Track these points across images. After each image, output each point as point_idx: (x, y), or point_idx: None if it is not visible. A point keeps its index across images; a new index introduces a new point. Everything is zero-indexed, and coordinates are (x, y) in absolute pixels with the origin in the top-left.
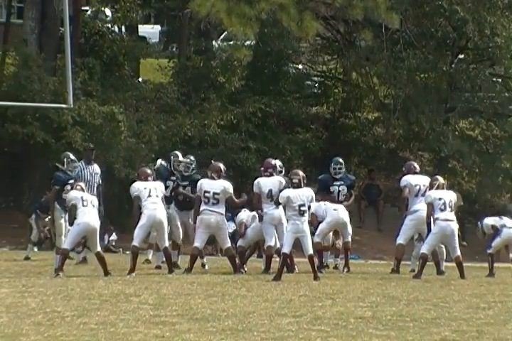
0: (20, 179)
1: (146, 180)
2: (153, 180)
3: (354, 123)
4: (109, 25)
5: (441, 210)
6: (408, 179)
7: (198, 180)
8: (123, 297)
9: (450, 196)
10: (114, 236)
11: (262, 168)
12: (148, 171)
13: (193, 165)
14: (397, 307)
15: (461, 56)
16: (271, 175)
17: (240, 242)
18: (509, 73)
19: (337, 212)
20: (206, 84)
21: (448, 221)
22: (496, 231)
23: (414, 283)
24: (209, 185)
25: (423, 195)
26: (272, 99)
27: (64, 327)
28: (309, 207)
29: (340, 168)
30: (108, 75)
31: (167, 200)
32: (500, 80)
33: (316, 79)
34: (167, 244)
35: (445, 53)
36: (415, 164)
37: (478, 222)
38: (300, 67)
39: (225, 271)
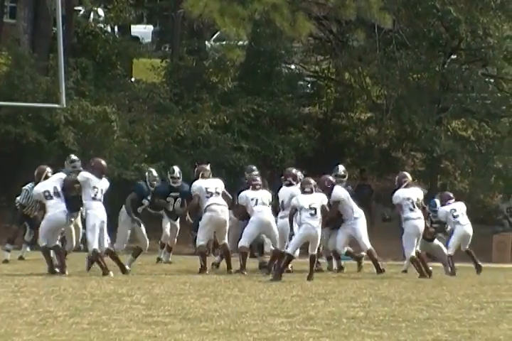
0: (13, 179)
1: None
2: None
3: (347, 124)
4: (102, 25)
5: (411, 210)
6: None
7: (187, 191)
8: (115, 297)
9: (417, 194)
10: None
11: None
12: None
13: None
14: (390, 307)
15: (453, 56)
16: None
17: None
18: (502, 73)
19: None
20: (199, 84)
21: (419, 219)
22: (443, 226)
23: (406, 283)
24: (207, 182)
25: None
26: (264, 99)
27: (56, 327)
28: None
29: None
30: (101, 75)
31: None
32: (492, 81)
33: (308, 79)
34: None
35: (438, 53)
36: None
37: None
38: (293, 67)
39: (217, 270)
